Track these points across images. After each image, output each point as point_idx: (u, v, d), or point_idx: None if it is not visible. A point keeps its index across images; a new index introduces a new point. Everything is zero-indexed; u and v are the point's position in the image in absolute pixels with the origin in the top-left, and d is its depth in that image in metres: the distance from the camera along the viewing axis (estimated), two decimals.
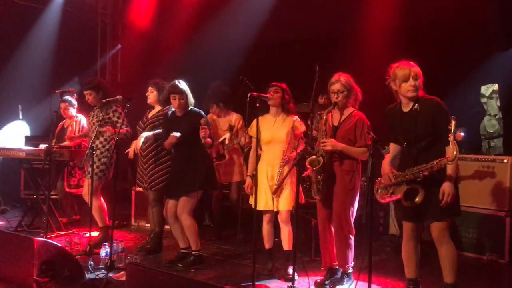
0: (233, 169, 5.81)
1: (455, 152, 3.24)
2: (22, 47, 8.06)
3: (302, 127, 4.46)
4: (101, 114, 5.24)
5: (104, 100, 5.17)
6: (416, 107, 3.50)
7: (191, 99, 4.75)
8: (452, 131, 3.21)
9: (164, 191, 5.04)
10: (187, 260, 4.69)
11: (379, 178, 3.70)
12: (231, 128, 5.81)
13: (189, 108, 4.74)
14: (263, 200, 4.37)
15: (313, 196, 4.20)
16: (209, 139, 4.54)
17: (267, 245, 4.58)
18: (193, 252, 4.70)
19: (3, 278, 4.00)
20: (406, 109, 3.57)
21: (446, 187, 3.37)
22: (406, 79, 3.48)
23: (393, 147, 3.75)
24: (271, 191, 4.33)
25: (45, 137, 7.14)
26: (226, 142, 5.70)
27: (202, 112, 4.74)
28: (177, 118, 4.77)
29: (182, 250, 4.80)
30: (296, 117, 4.51)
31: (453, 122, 3.22)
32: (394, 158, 3.76)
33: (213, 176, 4.87)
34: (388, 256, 5.28)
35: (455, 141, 3.23)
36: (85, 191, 5.35)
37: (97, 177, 5.20)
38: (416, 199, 3.41)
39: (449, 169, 3.37)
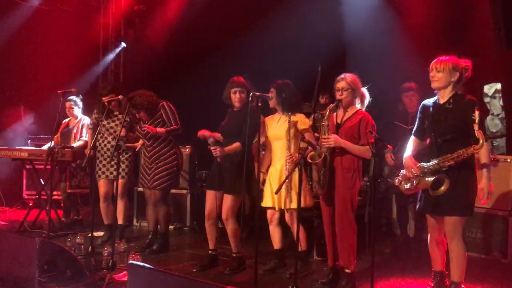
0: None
1: (481, 141, 3.26)
2: (23, 48, 8.06)
3: (305, 124, 4.42)
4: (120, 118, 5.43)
5: (106, 101, 5.18)
6: (451, 100, 3.56)
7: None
8: (477, 121, 3.25)
9: (168, 191, 5.15)
10: (233, 264, 4.65)
11: (402, 172, 3.75)
12: None
13: (246, 103, 4.53)
14: (269, 198, 4.45)
15: (315, 192, 4.20)
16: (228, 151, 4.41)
17: (274, 246, 4.63)
18: (235, 255, 4.68)
19: (5, 279, 4.00)
20: (442, 101, 3.63)
21: (483, 185, 3.47)
22: (431, 70, 3.60)
23: (415, 142, 3.81)
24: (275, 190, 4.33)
25: (48, 137, 7.17)
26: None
27: (255, 116, 4.37)
28: (234, 112, 4.65)
29: (210, 252, 4.78)
30: (301, 114, 4.49)
31: (476, 112, 3.27)
32: (415, 152, 3.79)
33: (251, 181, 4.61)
34: (391, 256, 5.26)
35: (480, 131, 3.25)
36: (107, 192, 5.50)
37: (125, 178, 5.45)
38: (442, 188, 3.43)
39: (482, 166, 3.47)
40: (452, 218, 3.52)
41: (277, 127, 4.50)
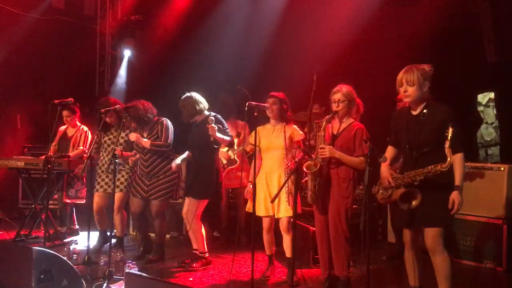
0: (240, 174, 5.92)
1: (449, 159, 3.19)
2: (20, 56, 8.08)
3: (300, 135, 4.57)
4: (122, 134, 5.47)
5: (102, 110, 5.21)
6: (424, 111, 3.44)
7: (198, 107, 4.93)
8: (449, 138, 3.17)
9: (167, 203, 5.34)
10: (195, 261, 4.91)
11: (380, 180, 3.68)
12: (238, 134, 6.06)
13: (207, 114, 4.95)
14: (263, 207, 4.48)
15: (309, 203, 4.23)
16: (219, 136, 4.69)
17: (267, 252, 4.68)
18: (199, 254, 4.92)
19: None
20: (414, 112, 3.51)
21: (456, 196, 3.30)
22: (400, 84, 3.47)
23: (390, 151, 3.74)
24: (271, 198, 4.37)
25: (44, 147, 7.17)
26: (235, 147, 5.97)
27: (219, 116, 4.94)
28: (197, 123, 5.01)
29: (194, 251, 5.01)
30: (295, 125, 4.62)
31: (450, 129, 3.18)
32: (392, 161, 3.75)
33: (217, 184, 4.99)
34: (387, 264, 5.28)
35: (450, 149, 3.19)
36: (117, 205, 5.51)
37: (123, 191, 5.46)
38: (413, 203, 3.37)
39: (457, 179, 3.32)
40: (432, 230, 3.41)
41: (272, 138, 4.54)
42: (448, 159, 3.20)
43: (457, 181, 3.33)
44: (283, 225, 4.46)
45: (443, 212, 3.36)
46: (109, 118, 5.50)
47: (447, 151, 3.19)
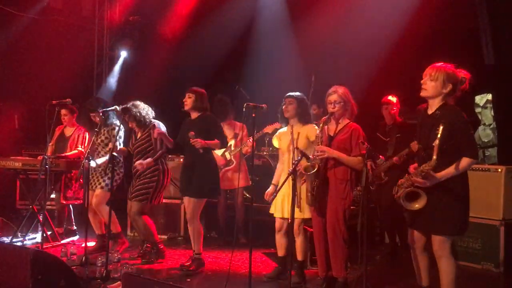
0: (238, 175, 5.93)
1: (434, 157, 3.14)
2: (17, 57, 8.07)
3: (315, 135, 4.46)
4: (105, 131, 5.47)
5: (101, 111, 5.20)
6: (437, 112, 3.36)
7: (205, 105, 4.95)
8: (438, 137, 3.12)
9: (144, 204, 5.16)
10: (193, 262, 4.89)
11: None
12: (236, 135, 6.04)
13: (203, 112, 4.94)
14: (279, 207, 4.50)
15: (307, 204, 4.23)
16: (206, 144, 4.68)
17: (279, 253, 4.68)
18: (196, 255, 4.89)
19: None
20: (429, 111, 3.44)
21: (431, 174, 3.24)
22: (424, 75, 3.40)
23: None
24: (288, 200, 4.36)
25: (41, 147, 7.16)
26: (232, 148, 6.03)
27: (214, 117, 4.97)
28: (190, 121, 4.98)
29: (195, 255, 4.96)
30: (313, 125, 4.56)
31: (440, 128, 3.14)
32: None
33: (218, 182, 5.02)
34: (384, 265, 5.29)
35: (438, 147, 3.12)
36: (96, 202, 5.47)
37: (106, 189, 5.44)
38: (416, 205, 3.33)
39: (444, 172, 3.28)
40: (440, 237, 3.38)
41: (288, 140, 4.52)
42: (434, 157, 3.15)
43: (441, 173, 3.27)
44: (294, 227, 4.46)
45: (449, 220, 3.33)
46: (98, 118, 5.49)
47: (435, 149, 3.14)
